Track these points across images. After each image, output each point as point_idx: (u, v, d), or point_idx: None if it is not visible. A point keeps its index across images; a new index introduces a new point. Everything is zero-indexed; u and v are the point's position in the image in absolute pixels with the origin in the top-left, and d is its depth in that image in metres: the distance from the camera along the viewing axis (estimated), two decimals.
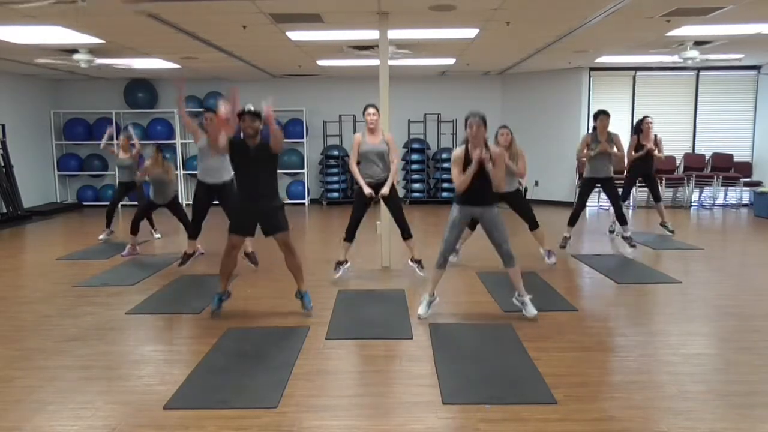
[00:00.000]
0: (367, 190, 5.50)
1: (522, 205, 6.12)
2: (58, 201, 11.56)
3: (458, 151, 4.37)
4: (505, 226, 4.48)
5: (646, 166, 7.48)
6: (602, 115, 6.62)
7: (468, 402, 3.14)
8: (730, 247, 7.48)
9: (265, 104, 4.25)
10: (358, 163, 5.61)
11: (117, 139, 8.89)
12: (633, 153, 7.36)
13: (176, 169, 7.17)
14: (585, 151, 6.70)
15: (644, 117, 7.47)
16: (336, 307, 4.85)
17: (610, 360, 3.73)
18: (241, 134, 4.44)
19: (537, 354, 3.77)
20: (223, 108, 5.10)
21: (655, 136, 7.43)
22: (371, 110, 5.55)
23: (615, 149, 6.63)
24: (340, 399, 3.22)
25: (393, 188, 5.59)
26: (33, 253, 7.48)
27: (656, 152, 7.37)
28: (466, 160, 4.32)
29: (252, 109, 4.34)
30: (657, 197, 7.69)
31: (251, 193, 4.49)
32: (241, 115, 4.37)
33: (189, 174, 11.75)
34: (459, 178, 4.34)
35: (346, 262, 5.73)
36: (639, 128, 7.44)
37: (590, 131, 6.87)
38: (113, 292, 5.38)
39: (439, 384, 3.35)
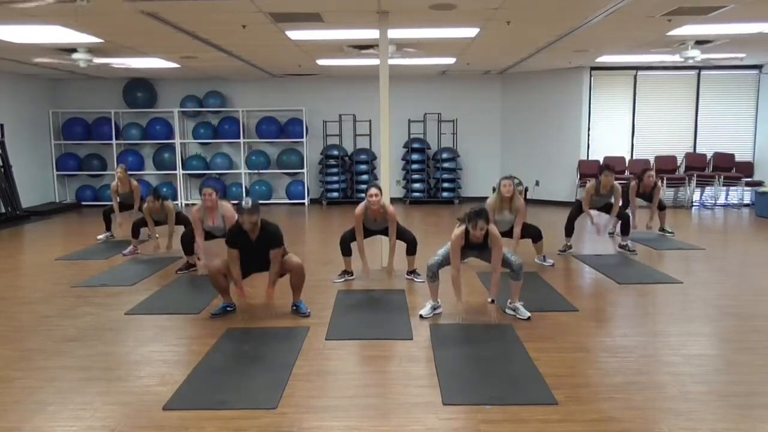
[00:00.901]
0: (368, 274, 5.62)
1: (527, 229, 6.12)
2: (57, 201, 11.55)
3: (458, 233, 4.36)
4: (508, 248, 4.56)
5: (647, 198, 7.66)
6: (606, 171, 6.68)
7: (468, 403, 3.13)
8: (732, 248, 7.47)
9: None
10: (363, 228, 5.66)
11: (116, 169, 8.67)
12: (634, 197, 7.46)
13: (175, 207, 7.13)
14: (588, 201, 6.82)
15: (647, 171, 7.54)
16: (336, 307, 4.84)
17: (610, 360, 3.72)
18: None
19: (537, 354, 3.76)
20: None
21: (656, 183, 7.51)
22: (374, 191, 5.45)
23: (613, 199, 6.80)
24: (340, 400, 3.21)
25: (395, 226, 5.65)
26: (32, 253, 7.47)
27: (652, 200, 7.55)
28: (466, 243, 4.36)
29: (250, 205, 4.35)
30: (661, 207, 7.73)
31: (251, 267, 4.64)
32: (239, 211, 4.40)
33: (189, 174, 11.75)
34: (454, 261, 4.39)
35: (352, 273, 5.75)
36: (641, 177, 7.50)
37: (593, 183, 6.88)
38: (112, 293, 5.37)
39: (439, 384, 3.34)
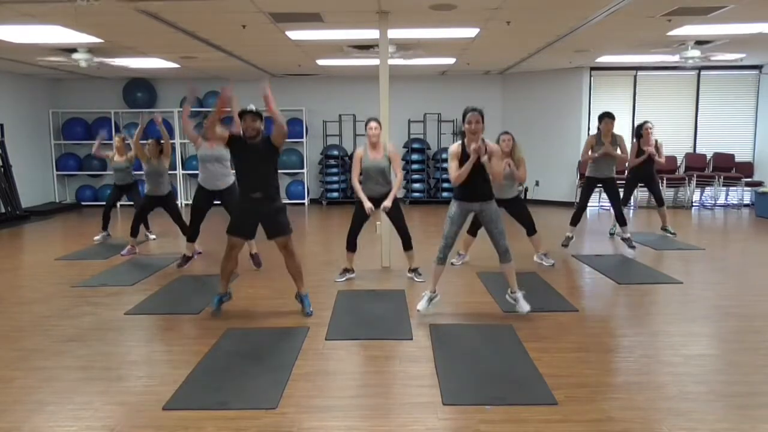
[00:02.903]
0: (367, 206, 5.48)
1: (522, 210, 6.11)
2: (57, 201, 11.55)
3: (455, 146, 4.39)
4: (504, 223, 4.49)
5: (648, 171, 7.41)
6: (606, 118, 6.62)
7: (468, 403, 3.13)
8: (732, 248, 7.46)
9: (262, 86, 4.24)
10: (360, 177, 5.58)
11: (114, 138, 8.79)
12: (634, 158, 7.32)
13: (173, 165, 7.07)
14: (589, 153, 6.71)
15: (644, 122, 7.42)
16: (336, 307, 4.83)
17: (610, 360, 3.72)
18: (242, 133, 4.42)
19: (537, 354, 3.76)
20: (227, 92, 4.65)
21: (656, 140, 7.42)
22: (373, 124, 5.50)
23: (619, 151, 6.66)
24: (339, 400, 3.20)
25: (395, 200, 5.58)
26: (32, 253, 7.46)
27: (657, 157, 7.32)
28: (463, 155, 4.33)
29: (253, 108, 4.30)
30: (660, 201, 7.66)
31: (252, 192, 4.44)
32: (242, 115, 4.34)
33: (189, 174, 11.74)
34: (456, 172, 4.35)
35: (353, 271, 5.74)
36: (639, 133, 7.42)
37: (594, 133, 6.85)
38: (112, 293, 5.37)
39: (439, 385, 3.34)
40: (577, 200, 6.88)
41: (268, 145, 4.40)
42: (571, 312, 4.67)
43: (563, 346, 3.96)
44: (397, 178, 5.62)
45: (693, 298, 5.09)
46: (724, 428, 2.87)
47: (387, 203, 5.51)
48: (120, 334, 4.28)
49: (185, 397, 3.24)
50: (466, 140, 4.32)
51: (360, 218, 5.61)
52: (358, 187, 5.56)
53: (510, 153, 5.82)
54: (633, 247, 6.80)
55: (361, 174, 5.56)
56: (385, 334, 4.20)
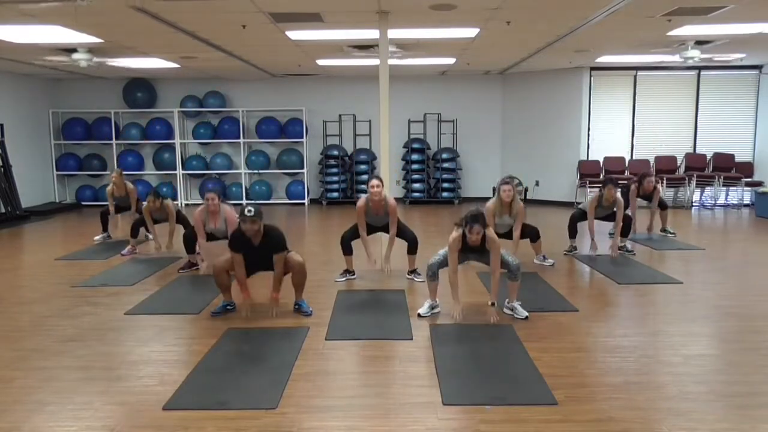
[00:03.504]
0: (371, 259, 5.71)
1: (525, 227, 6.12)
2: (57, 201, 11.55)
3: (455, 237, 4.37)
4: (507, 250, 4.56)
5: (648, 198, 7.67)
6: (610, 185, 6.64)
7: (468, 403, 3.13)
8: (732, 248, 7.46)
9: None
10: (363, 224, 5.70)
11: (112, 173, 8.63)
12: (635, 202, 7.49)
13: (176, 205, 7.16)
14: (593, 213, 6.72)
15: (647, 176, 7.55)
16: (336, 307, 4.83)
17: (610, 360, 3.72)
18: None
19: (537, 354, 3.76)
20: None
21: (655, 186, 7.54)
22: (375, 182, 5.52)
23: (616, 209, 6.73)
24: (339, 400, 3.20)
25: (397, 224, 5.67)
26: (32, 253, 7.46)
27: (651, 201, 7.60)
28: (464, 246, 4.36)
29: (251, 212, 4.35)
30: (663, 206, 7.75)
31: (256, 268, 4.68)
32: (241, 219, 4.40)
33: (189, 174, 11.74)
34: (452, 264, 4.40)
35: (353, 272, 5.76)
36: (641, 182, 7.53)
37: (597, 195, 6.80)
38: (112, 293, 5.37)
39: (439, 385, 3.34)
40: (573, 211, 6.94)
41: (271, 249, 4.53)
42: (571, 312, 4.67)
43: (563, 346, 3.96)
44: (391, 230, 5.67)
45: (693, 298, 5.09)
46: (724, 428, 2.87)
47: (387, 253, 5.75)
48: (120, 334, 4.28)
49: (185, 397, 3.24)
50: (466, 231, 4.27)
51: (357, 234, 5.71)
52: (366, 239, 5.69)
53: (510, 204, 5.89)
54: (631, 252, 6.78)
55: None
56: (385, 334, 4.20)
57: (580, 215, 6.86)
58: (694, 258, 6.65)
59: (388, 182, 6.19)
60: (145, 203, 7.00)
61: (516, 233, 5.99)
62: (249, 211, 4.34)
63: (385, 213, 5.62)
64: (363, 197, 5.65)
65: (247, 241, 4.47)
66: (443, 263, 4.52)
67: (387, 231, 5.73)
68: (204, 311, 4.75)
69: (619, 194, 6.69)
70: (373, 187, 5.48)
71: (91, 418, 3.01)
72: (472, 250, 4.41)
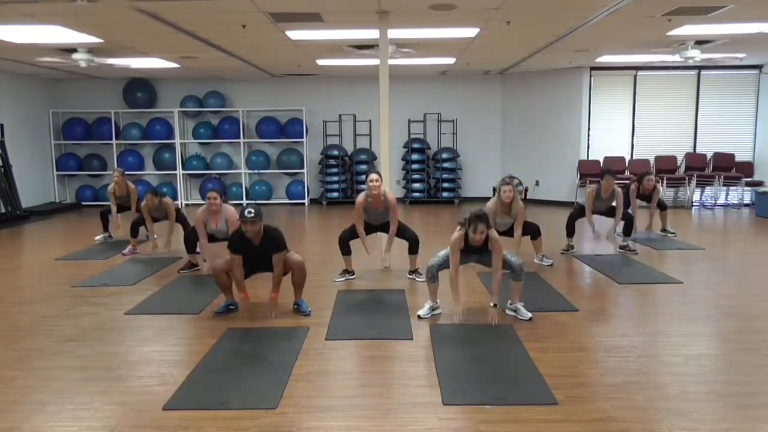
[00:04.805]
0: (368, 250, 5.73)
1: (526, 225, 6.12)
2: (57, 201, 11.55)
3: (457, 237, 4.35)
4: (509, 251, 4.54)
5: (647, 197, 7.70)
6: (607, 175, 6.66)
7: (468, 403, 3.13)
8: (732, 248, 7.46)
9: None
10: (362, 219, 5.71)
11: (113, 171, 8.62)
12: (635, 201, 7.51)
13: (176, 205, 7.17)
14: (591, 206, 6.78)
15: (647, 175, 7.60)
16: (336, 307, 4.83)
17: (610, 360, 3.72)
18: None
19: (537, 354, 3.76)
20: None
21: (655, 186, 7.57)
22: (374, 176, 5.52)
23: (614, 203, 6.78)
24: (339, 400, 3.20)
25: (397, 222, 5.69)
26: (32, 253, 7.46)
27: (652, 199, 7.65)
28: (466, 246, 4.34)
29: (252, 213, 4.34)
30: (662, 206, 7.77)
31: (255, 268, 4.68)
32: (242, 220, 4.40)
33: (189, 174, 11.74)
34: (454, 264, 4.39)
35: (353, 272, 5.76)
36: (640, 180, 7.56)
37: (595, 187, 6.83)
38: (112, 293, 5.37)
39: (439, 385, 3.34)
40: (570, 215, 6.95)
41: (271, 249, 4.53)
42: (571, 312, 4.67)
43: (563, 346, 3.96)
44: (392, 227, 5.66)
45: (693, 298, 5.09)
46: (724, 428, 2.87)
47: (387, 248, 5.79)
48: (120, 334, 4.28)
49: (185, 397, 3.24)
50: (470, 231, 4.24)
51: (355, 234, 5.71)
52: (363, 235, 5.68)
53: (510, 204, 5.89)
54: (633, 251, 6.78)
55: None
56: (385, 334, 4.20)
57: (579, 212, 6.87)
58: (694, 258, 6.65)
59: (388, 182, 6.19)
60: (144, 202, 7.00)
61: (517, 233, 5.98)
62: (249, 212, 4.34)
63: (385, 209, 5.60)
64: (362, 193, 5.66)
65: (247, 242, 4.47)
66: (443, 265, 4.51)
67: (386, 231, 5.73)
68: (204, 311, 4.75)
69: (617, 186, 6.69)
70: (371, 181, 5.48)
71: (91, 418, 3.01)
72: (473, 251, 4.40)
